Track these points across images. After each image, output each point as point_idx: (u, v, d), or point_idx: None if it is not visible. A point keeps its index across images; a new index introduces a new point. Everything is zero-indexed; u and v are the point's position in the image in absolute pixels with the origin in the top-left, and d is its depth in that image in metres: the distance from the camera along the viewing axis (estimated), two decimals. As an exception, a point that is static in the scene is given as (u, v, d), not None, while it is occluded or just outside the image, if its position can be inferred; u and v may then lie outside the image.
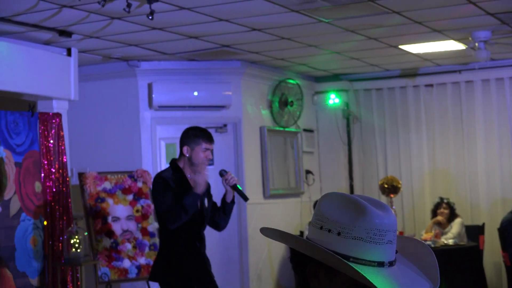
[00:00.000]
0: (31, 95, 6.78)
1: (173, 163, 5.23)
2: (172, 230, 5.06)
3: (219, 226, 5.38)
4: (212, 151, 5.25)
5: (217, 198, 5.47)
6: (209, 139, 5.19)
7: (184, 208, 4.96)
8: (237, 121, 8.54)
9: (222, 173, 5.26)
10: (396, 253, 1.78)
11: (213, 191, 5.49)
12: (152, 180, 5.35)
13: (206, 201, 5.29)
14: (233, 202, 5.33)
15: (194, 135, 5.17)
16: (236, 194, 5.29)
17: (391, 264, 1.76)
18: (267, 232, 1.88)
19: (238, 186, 5.26)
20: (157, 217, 5.28)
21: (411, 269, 1.84)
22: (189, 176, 5.17)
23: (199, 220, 5.21)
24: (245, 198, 5.26)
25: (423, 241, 1.99)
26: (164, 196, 5.03)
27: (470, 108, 9.26)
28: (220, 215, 5.32)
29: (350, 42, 7.59)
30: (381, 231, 1.73)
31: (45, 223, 6.47)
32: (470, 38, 7.53)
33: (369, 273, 1.69)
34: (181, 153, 5.21)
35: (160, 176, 5.16)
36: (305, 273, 1.82)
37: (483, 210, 9.14)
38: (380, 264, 1.73)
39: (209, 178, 5.32)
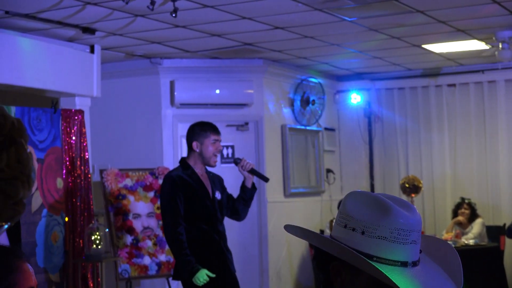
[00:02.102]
0: (54, 91, 6.79)
1: (183, 161, 5.24)
2: (186, 228, 5.06)
3: (240, 215, 5.38)
4: (220, 143, 5.25)
5: (232, 193, 5.48)
6: (216, 130, 5.21)
7: (177, 252, 5.02)
8: (258, 119, 8.52)
9: (237, 161, 5.27)
10: (420, 252, 1.78)
11: (231, 190, 5.48)
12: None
13: (218, 194, 5.26)
14: (254, 188, 5.35)
15: (201, 129, 5.19)
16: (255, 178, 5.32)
17: (414, 264, 1.75)
18: (291, 229, 1.88)
19: (255, 169, 5.27)
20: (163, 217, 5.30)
21: (434, 269, 1.84)
22: (198, 170, 5.17)
23: (214, 215, 5.18)
24: (266, 179, 5.28)
25: (447, 242, 1.98)
26: (172, 216, 5.04)
27: (492, 108, 9.19)
28: (240, 203, 5.32)
29: (373, 41, 7.56)
30: (405, 231, 1.73)
31: (66, 219, 6.47)
32: (493, 38, 7.49)
33: (392, 273, 1.69)
34: (190, 150, 5.22)
35: (169, 177, 5.16)
36: (328, 272, 1.82)
37: (504, 211, 9.08)
38: (404, 264, 1.73)
39: (228, 175, 5.31)
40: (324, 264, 1.82)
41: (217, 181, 5.34)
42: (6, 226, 5.06)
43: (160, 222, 7.30)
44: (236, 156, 5.43)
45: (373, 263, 1.70)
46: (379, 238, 1.72)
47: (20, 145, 5.05)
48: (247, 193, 5.31)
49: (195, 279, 4.94)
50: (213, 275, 5.00)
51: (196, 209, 5.12)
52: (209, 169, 5.32)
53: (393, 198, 1.79)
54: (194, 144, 5.17)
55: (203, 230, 5.12)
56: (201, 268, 4.96)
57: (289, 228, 1.89)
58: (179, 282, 7.88)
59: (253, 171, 5.26)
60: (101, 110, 7.97)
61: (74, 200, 6.56)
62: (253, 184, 5.33)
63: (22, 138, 5.10)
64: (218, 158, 8.27)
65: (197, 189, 5.14)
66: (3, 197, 4.97)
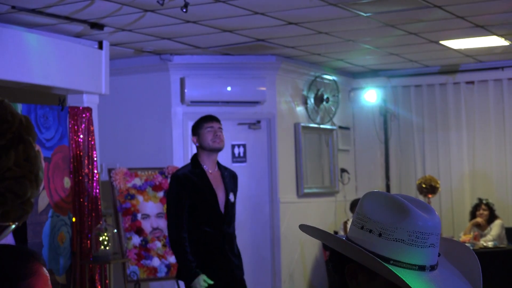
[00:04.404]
0: (61, 88, 6.81)
1: (194, 158, 5.23)
2: (192, 229, 5.01)
3: None
4: (221, 130, 5.20)
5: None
6: (209, 118, 5.22)
7: (178, 254, 5.00)
8: (271, 117, 8.46)
9: None
10: (439, 255, 1.76)
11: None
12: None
13: (231, 196, 5.19)
14: None
15: (196, 123, 5.24)
16: None
17: (432, 268, 1.72)
18: (306, 229, 1.87)
19: None
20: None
21: (453, 273, 1.81)
22: (205, 167, 5.12)
23: (220, 217, 5.09)
24: None
25: (467, 245, 1.93)
26: (176, 216, 5.00)
27: (512, 106, 9.10)
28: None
29: (389, 37, 7.52)
30: (424, 234, 1.70)
31: (73, 219, 6.42)
32: None
33: (409, 277, 1.67)
34: (196, 148, 5.23)
35: (175, 176, 5.14)
36: (344, 274, 1.80)
37: (524, 212, 9.01)
38: (421, 268, 1.70)
39: (240, 175, 5.25)
40: (340, 266, 1.81)
41: (230, 180, 5.25)
42: (13, 226, 4.98)
43: (170, 223, 7.23)
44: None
45: (390, 267, 1.68)
46: (396, 241, 1.70)
47: (28, 143, 4.98)
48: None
49: (193, 285, 4.93)
50: (211, 282, 4.96)
51: (200, 210, 5.05)
52: (224, 164, 5.32)
53: (411, 200, 1.76)
54: (193, 139, 5.22)
55: (206, 233, 5.05)
56: (201, 274, 4.94)
57: (304, 228, 1.88)
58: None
59: None
60: (109, 107, 7.96)
61: (81, 200, 6.53)
62: None
63: (30, 136, 5.03)
64: (230, 157, 8.28)
65: (203, 190, 5.07)
66: (11, 197, 4.90)
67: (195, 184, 5.05)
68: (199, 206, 5.03)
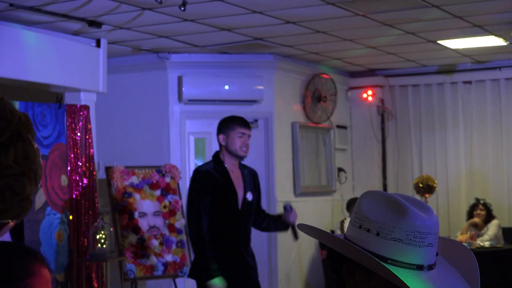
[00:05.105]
0: (59, 86, 6.78)
1: (215, 155, 5.17)
2: (209, 226, 4.97)
3: (259, 228, 5.33)
4: (249, 137, 5.17)
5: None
6: (244, 123, 5.14)
7: (198, 252, 4.97)
8: (268, 116, 8.45)
9: (287, 208, 5.15)
10: (436, 255, 1.75)
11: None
12: (191, 175, 5.28)
13: (249, 195, 5.16)
14: (286, 228, 5.22)
15: (228, 122, 5.14)
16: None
17: (430, 267, 1.72)
18: (305, 228, 1.87)
19: (295, 225, 5.14)
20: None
21: (451, 273, 1.80)
22: (229, 167, 5.10)
23: (239, 217, 5.08)
24: (296, 238, 5.17)
25: (465, 245, 1.92)
26: (197, 213, 4.96)
27: (509, 106, 9.14)
28: (270, 225, 5.28)
29: (387, 36, 7.51)
30: (421, 233, 1.69)
31: (70, 217, 6.40)
32: (511, 34, 7.45)
33: (407, 276, 1.66)
34: (220, 145, 5.16)
35: (198, 171, 5.09)
36: (341, 273, 1.80)
37: (521, 212, 9.01)
38: (419, 268, 1.70)
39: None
40: (337, 265, 1.81)
41: (250, 179, 5.22)
42: (12, 224, 4.97)
43: (167, 221, 7.21)
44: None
45: (388, 266, 1.67)
46: (394, 240, 1.69)
47: (28, 141, 4.96)
48: (279, 225, 5.23)
49: (209, 284, 4.90)
50: (223, 285, 4.94)
51: (219, 208, 5.04)
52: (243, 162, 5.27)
53: (409, 199, 1.75)
54: (221, 137, 5.12)
55: (224, 231, 5.03)
56: (219, 275, 4.91)
57: (303, 227, 1.88)
58: (186, 283, 7.80)
59: (292, 225, 5.13)
60: (107, 105, 7.94)
61: (78, 198, 6.53)
62: (285, 224, 5.18)
63: (30, 133, 5.01)
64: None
65: (224, 188, 5.04)
66: (10, 194, 4.87)
67: (217, 181, 5.02)
68: (218, 204, 5.02)
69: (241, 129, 5.10)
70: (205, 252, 4.92)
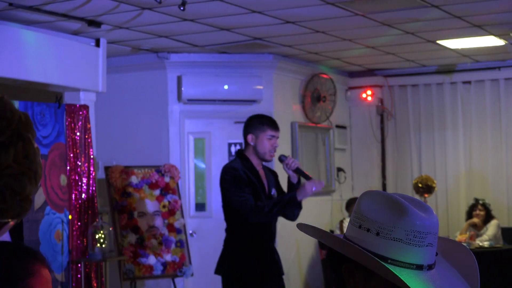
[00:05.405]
0: (58, 86, 6.76)
1: (240, 152, 5.12)
2: (239, 222, 4.93)
3: (287, 215, 5.15)
4: (277, 139, 5.11)
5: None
6: (274, 126, 5.07)
7: (272, 212, 4.83)
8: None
9: (282, 159, 5.06)
10: (436, 255, 1.75)
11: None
12: (221, 171, 5.16)
13: (274, 191, 5.14)
14: (299, 184, 5.12)
15: (259, 122, 5.06)
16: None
17: (430, 267, 1.72)
18: (304, 228, 1.87)
19: (300, 168, 5.07)
20: (224, 208, 5.08)
21: (450, 273, 1.81)
22: (256, 166, 5.04)
23: None
24: (308, 178, 5.01)
25: (465, 245, 1.93)
26: (237, 188, 4.88)
27: (509, 106, 9.14)
28: (290, 200, 5.07)
29: (386, 36, 7.50)
30: (421, 233, 1.70)
31: (70, 217, 6.40)
32: (511, 34, 7.46)
33: (407, 276, 1.67)
34: (246, 143, 5.09)
35: (229, 167, 5.02)
36: (341, 273, 1.81)
37: (520, 212, 9.00)
38: (419, 267, 1.70)
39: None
40: (337, 265, 1.81)
41: (272, 178, 5.21)
42: (12, 223, 4.97)
43: (166, 221, 7.21)
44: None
45: (388, 265, 1.68)
46: (394, 240, 1.70)
47: (28, 140, 4.96)
48: (292, 188, 5.12)
49: (305, 188, 4.84)
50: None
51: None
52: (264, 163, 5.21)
53: (409, 199, 1.76)
54: (249, 137, 5.05)
55: (256, 227, 4.98)
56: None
57: (302, 227, 1.88)
58: (185, 283, 7.80)
59: (298, 170, 5.06)
60: (106, 105, 7.94)
61: (78, 197, 6.50)
62: (298, 180, 5.12)
63: (30, 133, 5.01)
64: (226, 155, 8.27)
65: (255, 184, 5.00)
66: (10, 193, 4.87)
67: (248, 176, 4.97)
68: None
69: (272, 131, 5.03)
70: (272, 206, 4.80)
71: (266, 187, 5.07)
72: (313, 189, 4.89)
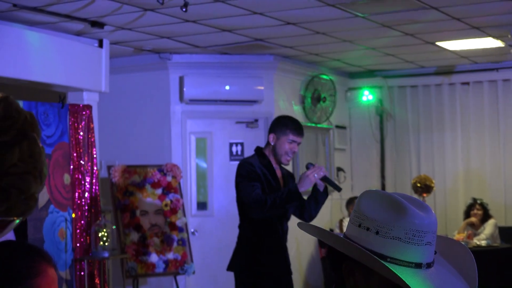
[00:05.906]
0: (61, 86, 6.76)
1: (258, 149, 5.10)
2: (252, 219, 4.91)
3: (310, 215, 5.05)
4: (298, 145, 5.07)
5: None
6: (297, 131, 5.03)
7: (275, 203, 4.77)
8: (268, 116, 8.45)
9: (308, 166, 4.96)
10: (435, 253, 1.76)
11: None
12: (237, 169, 5.11)
13: None
14: (326, 193, 5.04)
15: (283, 124, 5.04)
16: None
17: (429, 265, 1.73)
18: (305, 227, 1.88)
19: (328, 177, 5.00)
20: (238, 203, 5.06)
21: (449, 271, 1.81)
22: (273, 164, 5.02)
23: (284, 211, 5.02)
24: (338, 189, 4.90)
25: (463, 244, 1.95)
26: (248, 183, 4.85)
27: (507, 107, 9.12)
28: (311, 203, 5.03)
29: (386, 37, 7.50)
30: (420, 232, 1.70)
31: (73, 215, 6.43)
32: (509, 36, 7.44)
33: (406, 274, 1.67)
34: (268, 141, 5.09)
35: (246, 162, 4.98)
36: (341, 271, 1.81)
37: (518, 212, 9.00)
38: (418, 266, 1.71)
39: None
40: (337, 264, 1.81)
41: (290, 178, 5.18)
42: (17, 221, 5.01)
43: (168, 220, 7.25)
44: (308, 161, 5.19)
45: (387, 264, 1.68)
46: (393, 239, 1.70)
47: (33, 140, 5.02)
48: (318, 197, 5.04)
49: (307, 178, 4.77)
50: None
51: None
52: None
53: (408, 198, 1.76)
54: (271, 136, 5.04)
55: (270, 224, 4.96)
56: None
57: (303, 226, 1.89)
58: (187, 281, 7.85)
59: (325, 179, 4.96)
60: (109, 105, 7.94)
61: (81, 196, 6.51)
62: (325, 188, 5.03)
63: (35, 132, 5.07)
64: (227, 155, 8.32)
65: (271, 182, 4.98)
66: (15, 192, 4.93)
67: (264, 174, 4.96)
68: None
69: (294, 136, 5.01)
70: (276, 198, 4.75)
71: (281, 186, 5.03)
72: (315, 176, 4.84)
